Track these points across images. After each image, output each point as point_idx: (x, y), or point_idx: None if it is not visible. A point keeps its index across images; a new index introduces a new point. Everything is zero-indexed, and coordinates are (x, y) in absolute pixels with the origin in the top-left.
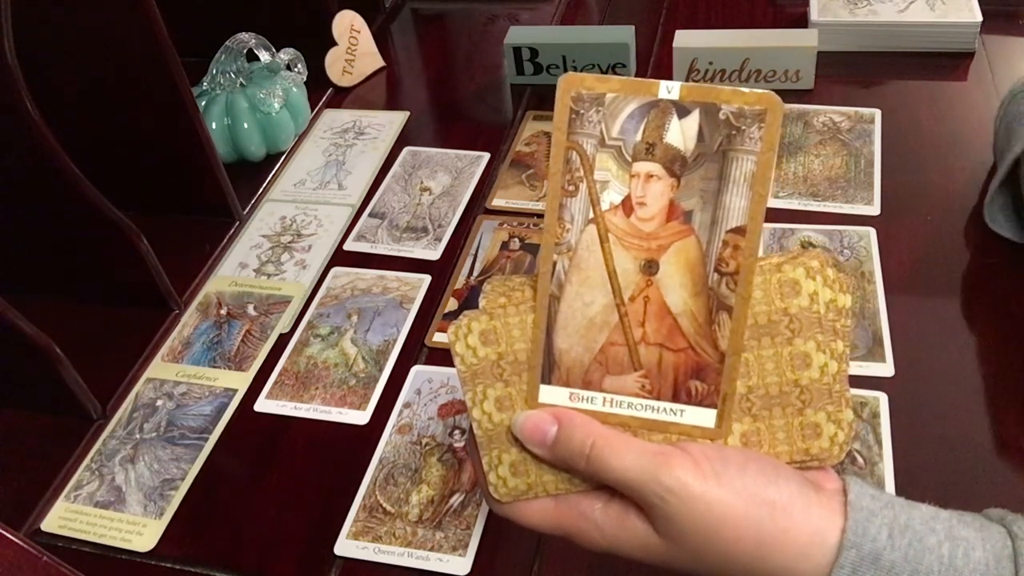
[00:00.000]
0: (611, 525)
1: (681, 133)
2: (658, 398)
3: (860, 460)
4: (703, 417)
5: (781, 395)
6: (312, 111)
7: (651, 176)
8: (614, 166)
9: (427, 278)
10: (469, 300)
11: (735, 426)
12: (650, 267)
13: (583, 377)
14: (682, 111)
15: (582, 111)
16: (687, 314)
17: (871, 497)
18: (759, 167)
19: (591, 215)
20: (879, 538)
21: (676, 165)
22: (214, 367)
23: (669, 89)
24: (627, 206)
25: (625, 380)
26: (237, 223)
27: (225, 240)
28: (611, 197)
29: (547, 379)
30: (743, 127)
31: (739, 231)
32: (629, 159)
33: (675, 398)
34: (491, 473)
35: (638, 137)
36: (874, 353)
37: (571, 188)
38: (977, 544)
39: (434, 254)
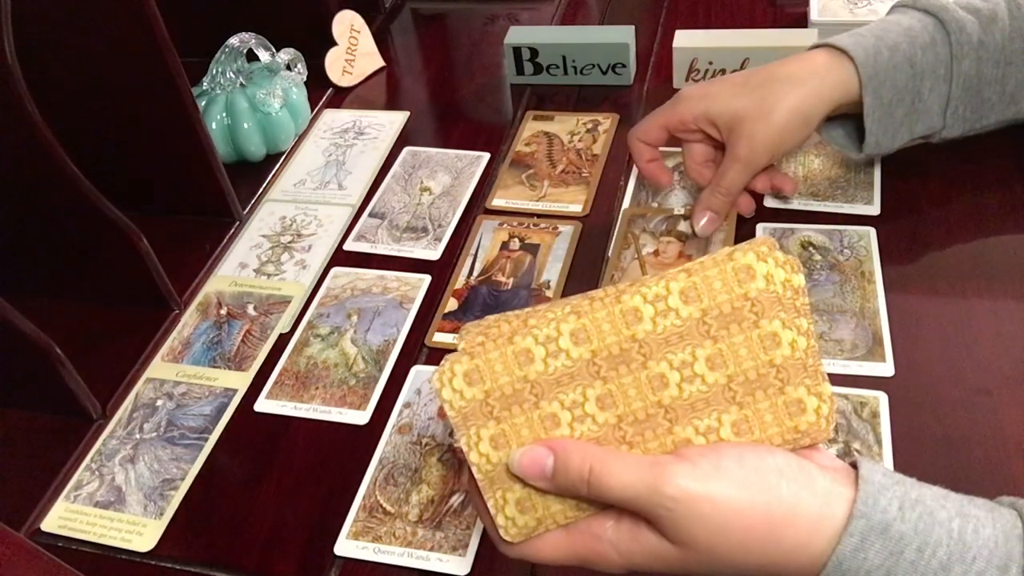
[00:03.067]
0: (625, 541)
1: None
2: None
3: None
4: None
5: (759, 378)
6: (312, 111)
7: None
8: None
9: (427, 278)
10: (469, 300)
11: (724, 418)
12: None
13: None
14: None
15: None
16: None
17: (883, 474)
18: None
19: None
20: (889, 510)
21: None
22: (214, 367)
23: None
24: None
25: None
26: (237, 223)
27: (225, 240)
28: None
29: None
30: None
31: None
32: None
33: None
34: (499, 515)
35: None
36: (874, 353)
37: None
38: (987, 522)
39: (434, 254)
